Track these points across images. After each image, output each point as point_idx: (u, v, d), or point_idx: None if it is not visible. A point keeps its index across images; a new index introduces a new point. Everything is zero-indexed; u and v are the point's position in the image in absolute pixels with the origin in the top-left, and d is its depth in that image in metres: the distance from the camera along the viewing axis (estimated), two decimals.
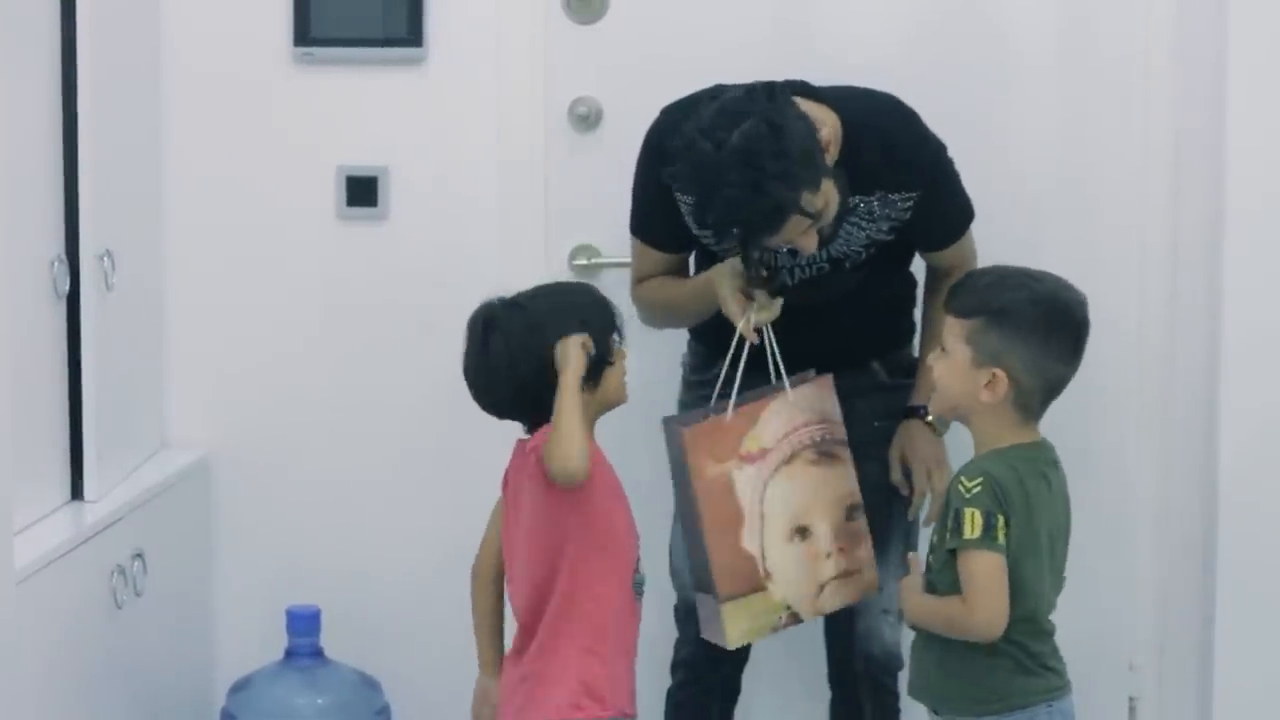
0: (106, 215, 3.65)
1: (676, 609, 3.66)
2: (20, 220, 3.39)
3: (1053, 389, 3.20)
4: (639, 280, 3.61)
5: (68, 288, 3.57)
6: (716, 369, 3.48)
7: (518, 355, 3.18)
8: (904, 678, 3.53)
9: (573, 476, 3.13)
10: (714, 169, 3.17)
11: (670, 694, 3.69)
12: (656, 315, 3.62)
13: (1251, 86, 3.70)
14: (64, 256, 3.56)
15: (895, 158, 3.40)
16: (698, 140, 3.20)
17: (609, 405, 3.27)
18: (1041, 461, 3.20)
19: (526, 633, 3.25)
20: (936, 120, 3.47)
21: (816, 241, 3.31)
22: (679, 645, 3.68)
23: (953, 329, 3.20)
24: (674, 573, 3.64)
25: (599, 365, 3.21)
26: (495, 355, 3.20)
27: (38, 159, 3.50)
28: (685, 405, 3.65)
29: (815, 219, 3.24)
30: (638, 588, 3.26)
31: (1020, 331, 3.15)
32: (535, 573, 3.22)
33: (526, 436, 3.26)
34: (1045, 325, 3.17)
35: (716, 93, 3.29)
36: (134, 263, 3.82)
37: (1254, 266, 3.74)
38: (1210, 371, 3.81)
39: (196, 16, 3.99)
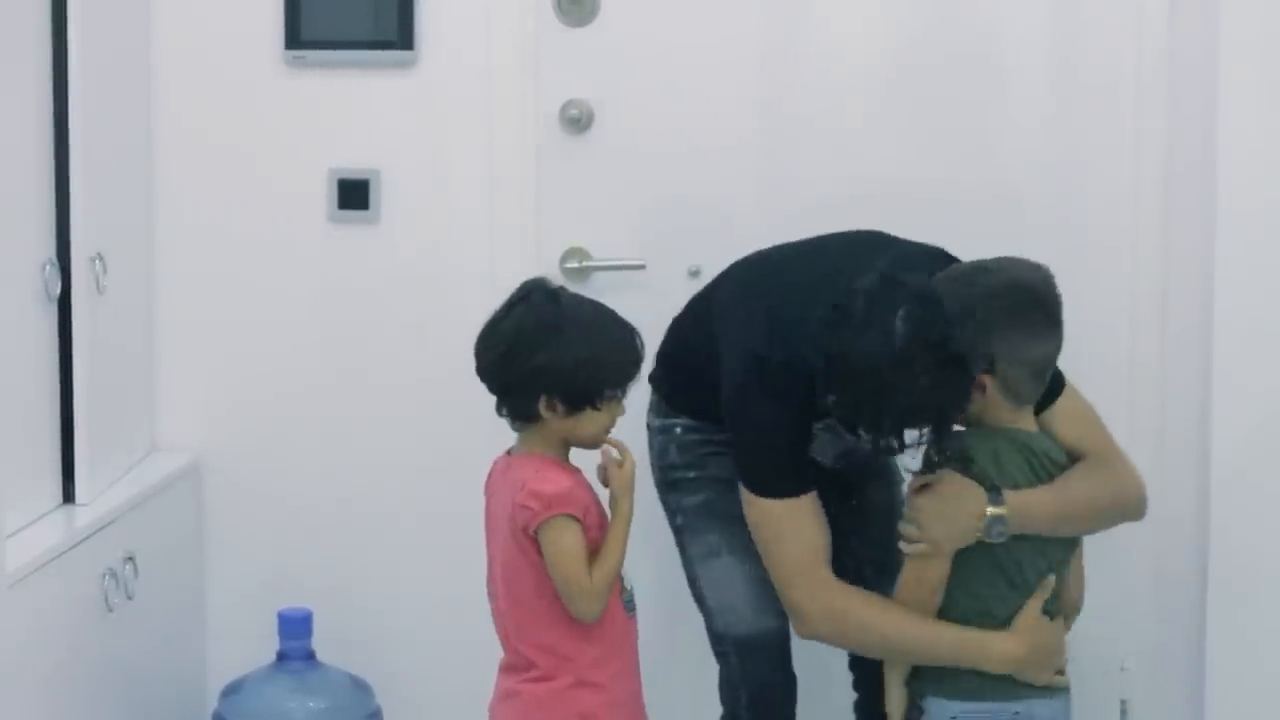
0: (98, 218, 3.65)
1: (737, 640, 3.40)
2: (11, 223, 3.39)
3: (1040, 370, 3.13)
4: (813, 568, 3.18)
5: (59, 290, 3.57)
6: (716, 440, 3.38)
7: (524, 337, 3.12)
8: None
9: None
10: (893, 365, 2.93)
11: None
12: (860, 644, 3.26)
13: (1243, 90, 3.70)
14: (55, 259, 3.56)
15: None
16: (857, 345, 2.94)
17: (575, 444, 3.17)
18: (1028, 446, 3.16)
19: (516, 654, 3.19)
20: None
21: None
22: (749, 680, 3.41)
23: None
24: (723, 610, 3.41)
25: (581, 402, 3.13)
26: (510, 323, 3.15)
27: (29, 162, 3.50)
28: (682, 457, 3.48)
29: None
30: (628, 605, 3.21)
31: (987, 329, 3.04)
32: (516, 610, 3.17)
33: (511, 444, 3.23)
34: (1010, 313, 3.08)
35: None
36: (125, 266, 3.82)
37: (1246, 272, 3.73)
38: (1203, 376, 3.81)
39: (188, 19, 3.99)
